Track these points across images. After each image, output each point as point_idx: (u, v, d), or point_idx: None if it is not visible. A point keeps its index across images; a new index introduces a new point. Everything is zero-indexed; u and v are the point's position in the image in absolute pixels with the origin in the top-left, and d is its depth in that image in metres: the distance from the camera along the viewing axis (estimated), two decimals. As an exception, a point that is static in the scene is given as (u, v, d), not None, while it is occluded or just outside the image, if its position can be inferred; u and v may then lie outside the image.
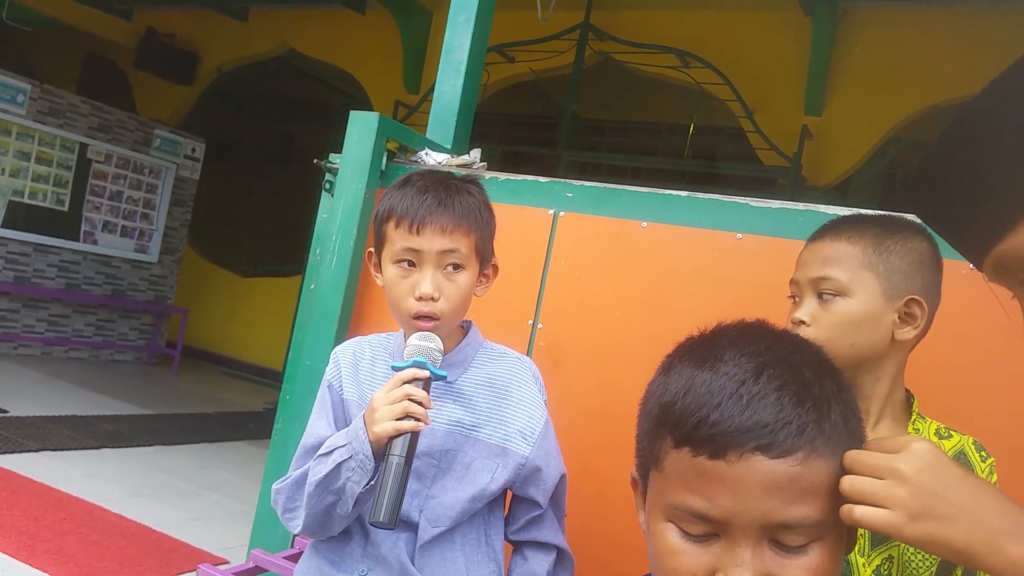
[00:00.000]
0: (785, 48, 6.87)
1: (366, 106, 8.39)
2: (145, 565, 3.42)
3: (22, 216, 7.63)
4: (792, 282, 1.37)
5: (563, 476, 1.54)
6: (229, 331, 9.66)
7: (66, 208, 8.00)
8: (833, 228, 1.35)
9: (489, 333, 1.62)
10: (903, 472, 0.78)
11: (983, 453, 1.30)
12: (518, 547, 1.54)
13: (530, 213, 2.11)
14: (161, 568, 3.42)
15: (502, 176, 2.21)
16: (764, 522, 0.73)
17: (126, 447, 5.27)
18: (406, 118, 7.38)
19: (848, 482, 0.77)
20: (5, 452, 4.57)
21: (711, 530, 0.76)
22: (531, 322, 2.07)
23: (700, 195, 1.92)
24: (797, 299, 1.36)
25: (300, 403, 2.26)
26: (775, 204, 1.85)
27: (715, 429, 0.73)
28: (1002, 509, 0.77)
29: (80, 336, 8.26)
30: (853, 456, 0.78)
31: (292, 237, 8.77)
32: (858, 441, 0.79)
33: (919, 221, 1.29)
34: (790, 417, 0.73)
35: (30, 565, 3.20)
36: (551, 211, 2.09)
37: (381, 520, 1.23)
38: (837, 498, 0.76)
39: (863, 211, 1.44)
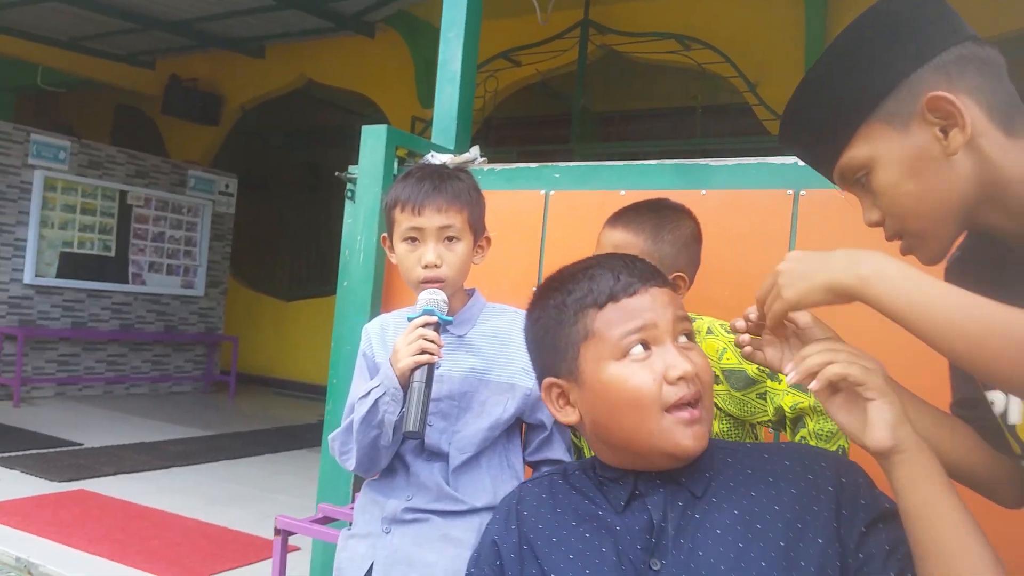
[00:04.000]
0: (781, 19, 7.07)
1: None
2: (225, 557, 3.77)
3: (74, 265, 8.11)
4: None
5: (563, 401, 1.83)
6: (278, 354, 10.07)
7: (113, 253, 8.47)
8: (622, 217, 1.76)
9: (498, 298, 1.92)
10: (779, 268, 1.09)
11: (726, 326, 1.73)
12: (535, 467, 1.83)
13: (524, 196, 2.41)
14: (240, 558, 3.77)
15: (498, 167, 2.52)
16: (673, 321, 1.11)
17: (195, 464, 5.66)
18: (423, 132, 7.71)
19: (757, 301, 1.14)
20: (86, 478, 4.97)
21: (647, 342, 1.09)
22: (534, 289, 2.36)
23: (667, 161, 2.20)
24: None
25: (345, 385, 2.56)
26: (731, 161, 2.13)
27: (626, 281, 1.12)
28: (849, 251, 1.05)
29: (138, 372, 8.72)
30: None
31: (328, 259, 9.15)
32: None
33: (684, 206, 1.81)
34: (656, 269, 1.18)
35: (127, 565, 3.56)
36: (542, 191, 2.38)
37: (411, 430, 1.53)
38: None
39: (640, 201, 1.84)
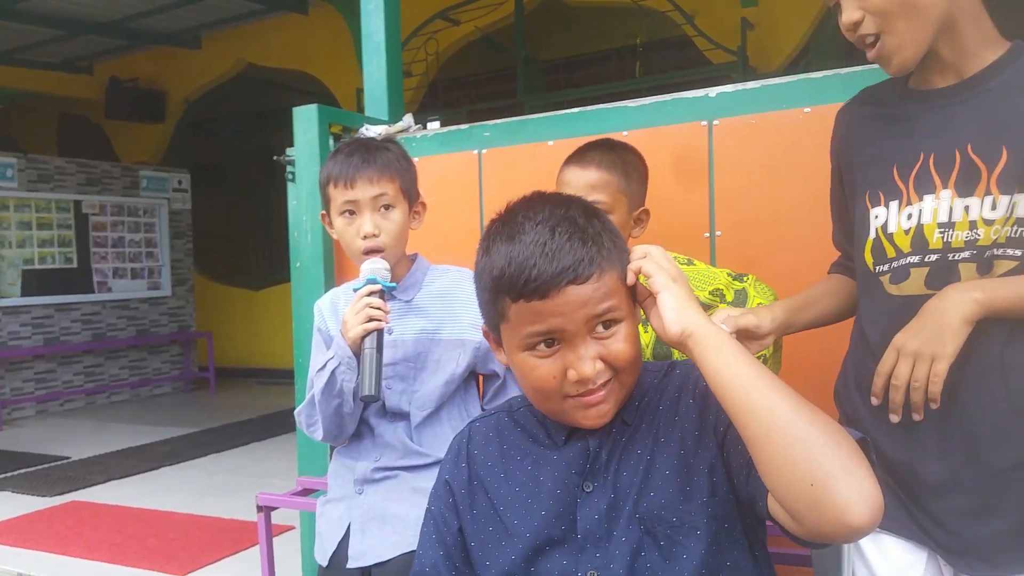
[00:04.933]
0: (713, -54, 7.07)
1: (331, 101, 8.69)
2: (222, 545, 3.85)
3: (38, 282, 8.06)
4: None
5: (513, 348, 1.90)
6: (254, 343, 10.09)
7: (76, 264, 8.42)
8: (591, 157, 1.80)
9: (445, 259, 1.97)
10: (913, 349, 1.26)
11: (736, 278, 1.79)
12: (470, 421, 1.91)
13: (460, 157, 2.46)
14: (236, 544, 3.84)
15: (430, 132, 2.55)
16: (585, 320, 1.07)
17: (183, 462, 5.72)
18: (369, 103, 7.66)
19: (897, 392, 1.29)
20: (77, 489, 5.02)
21: (555, 340, 1.08)
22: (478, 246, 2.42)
23: (588, 108, 2.26)
24: None
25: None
26: (647, 101, 2.20)
27: (538, 281, 1.05)
28: (943, 296, 1.28)
29: (117, 380, 8.72)
30: (890, 389, 1.30)
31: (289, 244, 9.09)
32: (624, 252, 1.13)
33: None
34: (581, 255, 1.06)
35: (127, 566, 3.63)
36: (475, 151, 2.43)
37: (367, 393, 1.60)
38: (627, 290, 1.11)
39: (595, 141, 1.86)
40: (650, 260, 1.09)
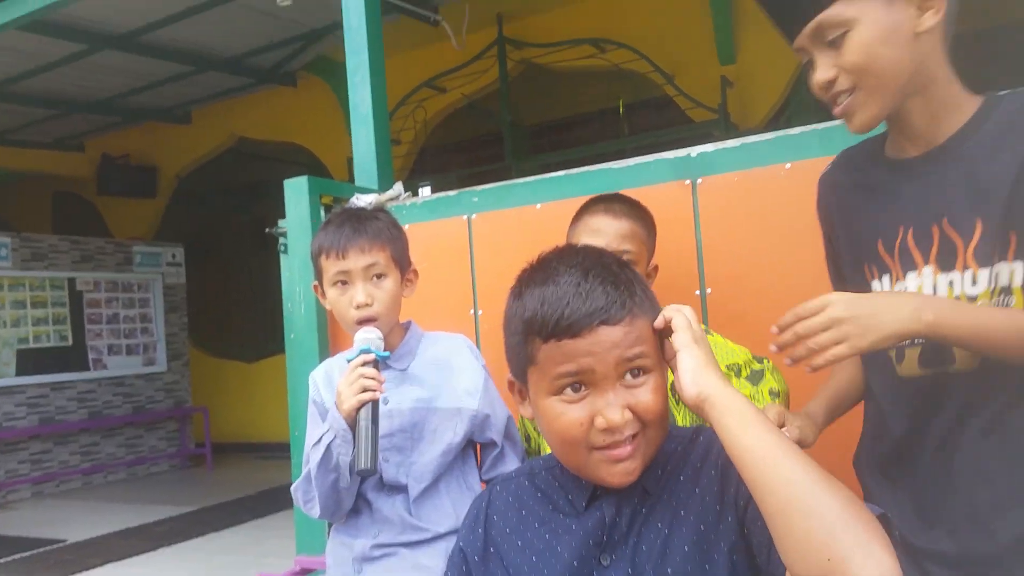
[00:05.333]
0: (688, 10, 7.24)
1: (322, 171, 8.78)
2: (222, 627, 3.77)
3: (32, 361, 8.03)
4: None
5: (509, 417, 1.89)
6: (250, 416, 10.00)
7: (71, 342, 8.40)
8: (620, 206, 1.83)
9: (439, 326, 1.98)
10: (838, 315, 1.18)
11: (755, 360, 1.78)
12: (490, 483, 1.88)
13: (449, 223, 2.49)
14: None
15: (420, 200, 2.59)
16: (616, 365, 1.06)
17: (182, 542, 5.63)
18: (359, 172, 7.73)
19: (795, 335, 1.20)
20: (73, 573, 4.94)
21: (583, 384, 1.07)
22: (472, 311, 2.44)
23: (574, 171, 2.31)
24: None
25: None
26: (631, 162, 2.25)
27: (570, 320, 1.06)
28: (903, 298, 1.23)
29: (113, 459, 8.63)
30: (796, 326, 1.20)
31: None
32: (654, 303, 1.14)
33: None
34: (614, 298, 1.07)
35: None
36: (465, 216, 2.46)
37: (363, 467, 1.57)
38: (656, 342, 1.11)
39: (614, 193, 1.92)
40: (680, 315, 1.10)
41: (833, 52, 1.27)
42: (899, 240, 1.32)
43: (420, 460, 1.81)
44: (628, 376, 1.08)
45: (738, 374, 1.75)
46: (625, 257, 1.65)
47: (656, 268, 1.90)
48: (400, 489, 1.80)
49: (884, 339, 1.18)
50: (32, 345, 8.06)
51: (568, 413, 1.08)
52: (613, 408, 1.06)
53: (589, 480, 1.14)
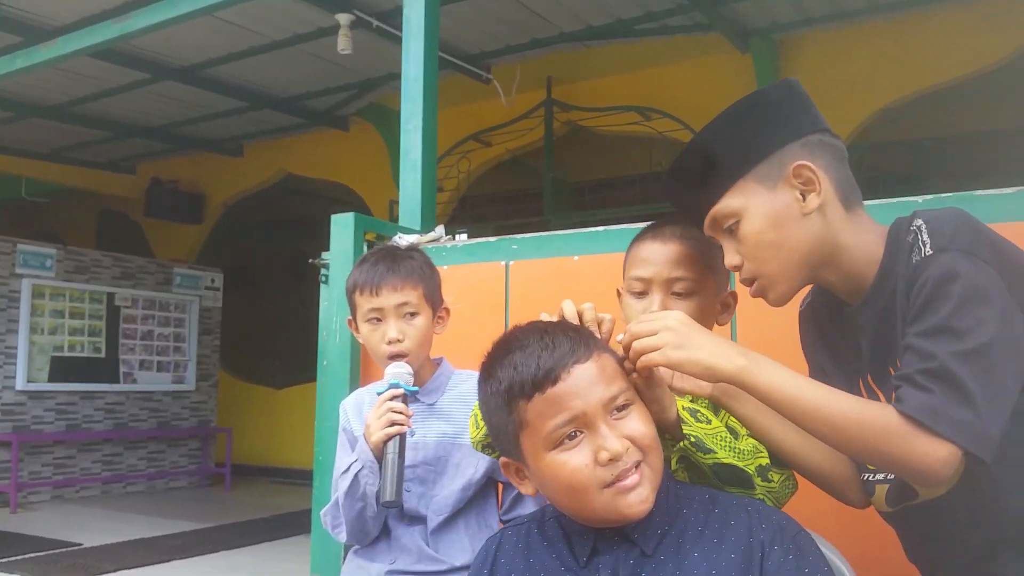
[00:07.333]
0: (731, 85, 7.38)
1: (364, 210, 8.99)
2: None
3: (65, 369, 8.24)
4: (637, 279, 1.58)
5: (531, 458, 1.98)
6: (273, 442, 10.10)
7: (103, 354, 8.61)
8: (671, 232, 1.60)
9: (471, 366, 2.06)
10: (668, 323, 1.24)
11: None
12: (505, 525, 1.96)
13: (487, 267, 2.61)
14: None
15: (459, 243, 2.72)
16: (602, 403, 1.16)
17: (194, 556, 5.70)
18: (401, 214, 7.92)
19: (630, 337, 1.25)
20: (87, 577, 5.03)
21: (577, 431, 1.16)
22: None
23: (613, 227, 2.42)
24: (642, 294, 1.58)
25: (329, 460, 2.68)
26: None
27: (546, 368, 1.16)
28: (730, 344, 1.26)
29: (134, 470, 8.76)
30: (631, 328, 1.26)
31: (316, 344, 9.19)
32: (607, 345, 1.26)
33: None
34: (576, 340, 1.20)
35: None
36: (503, 262, 2.59)
37: (388, 500, 1.65)
38: (628, 380, 1.22)
39: (667, 217, 1.67)
40: (637, 341, 1.23)
41: (734, 239, 1.36)
42: (862, 381, 1.37)
43: (441, 493, 1.88)
44: (615, 413, 1.17)
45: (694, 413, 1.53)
46: (680, 286, 1.53)
47: (734, 296, 1.65)
48: (420, 519, 1.87)
49: (695, 362, 1.21)
50: (66, 353, 8.28)
51: (571, 460, 1.15)
52: (612, 439, 1.14)
53: (606, 522, 1.17)
